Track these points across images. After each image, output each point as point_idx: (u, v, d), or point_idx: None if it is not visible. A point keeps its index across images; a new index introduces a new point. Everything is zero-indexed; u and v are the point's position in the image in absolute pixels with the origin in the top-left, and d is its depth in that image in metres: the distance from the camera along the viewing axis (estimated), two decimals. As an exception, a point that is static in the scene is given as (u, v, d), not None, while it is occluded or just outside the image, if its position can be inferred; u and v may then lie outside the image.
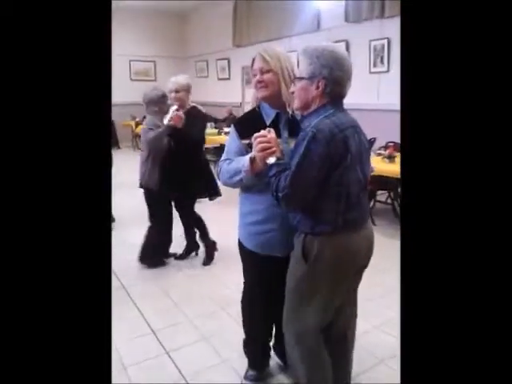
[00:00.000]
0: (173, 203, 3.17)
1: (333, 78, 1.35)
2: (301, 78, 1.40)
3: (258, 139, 1.41)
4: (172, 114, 2.69)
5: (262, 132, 1.42)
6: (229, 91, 9.03)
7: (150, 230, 3.14)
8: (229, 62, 9.03)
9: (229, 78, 9.16)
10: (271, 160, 1.40)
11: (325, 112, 1.38)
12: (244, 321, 1.89)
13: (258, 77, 1.56)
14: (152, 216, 3.10)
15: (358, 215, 1.43)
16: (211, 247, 3.32)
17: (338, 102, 1.41)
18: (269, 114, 1.59)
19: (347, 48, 5.96)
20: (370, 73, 5.65)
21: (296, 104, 1.45)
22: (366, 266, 1.56)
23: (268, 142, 1.40)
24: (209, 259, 3.29)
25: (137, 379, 1.94)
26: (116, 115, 6.96)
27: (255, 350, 1.90)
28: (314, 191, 1.36)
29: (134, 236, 3.39)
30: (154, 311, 2.55)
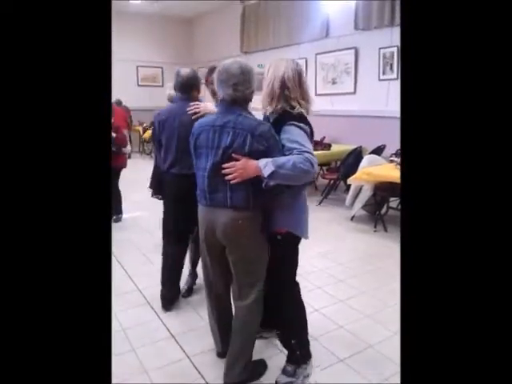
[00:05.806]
0: None
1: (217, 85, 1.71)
2: None
3: None
4: None
5: None
6: (236, 97, 9.00)
7: None
8: (236, 68, 9.03)
9: (236, 85, 9.14)
10: None
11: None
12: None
13: None
14: None
15: (203, 194, 1.79)
16: None
17: (221, 103, 1.74)
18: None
19: (356, 55, 5.96)
20: (379, 80, 5.64)
21: None
22: (225, 246, 1.80)
23: None
24: None
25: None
26: (125, 120, 6.95)
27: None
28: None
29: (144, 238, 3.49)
30: (172, 315, 2.54)
